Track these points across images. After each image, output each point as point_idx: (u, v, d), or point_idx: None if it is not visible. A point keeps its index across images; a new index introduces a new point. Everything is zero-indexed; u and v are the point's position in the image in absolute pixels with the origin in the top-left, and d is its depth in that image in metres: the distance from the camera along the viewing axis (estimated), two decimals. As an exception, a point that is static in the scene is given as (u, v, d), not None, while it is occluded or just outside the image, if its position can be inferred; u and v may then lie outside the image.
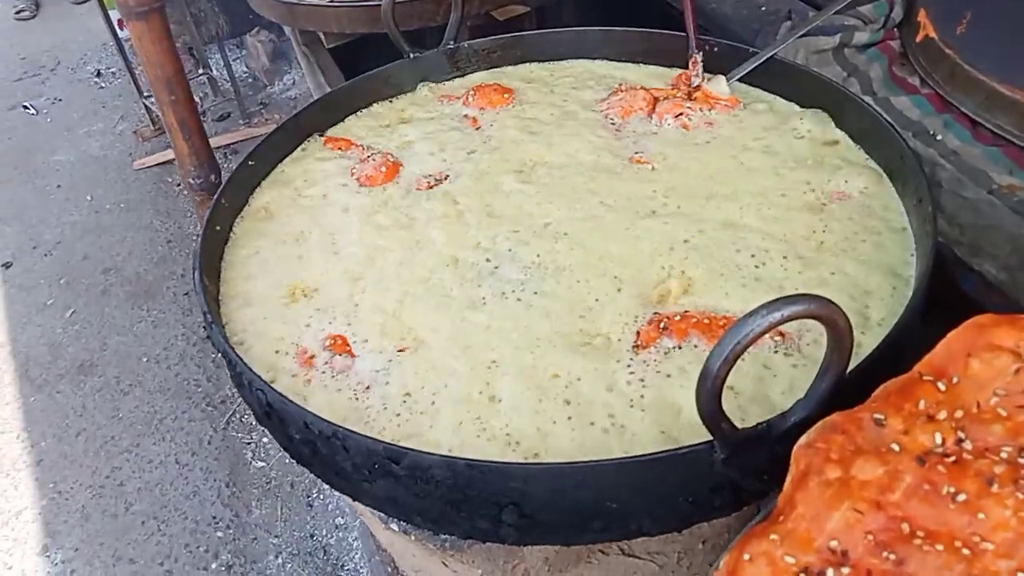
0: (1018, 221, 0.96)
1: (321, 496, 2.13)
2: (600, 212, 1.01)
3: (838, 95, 1.07)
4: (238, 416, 2.36)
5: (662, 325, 0.86)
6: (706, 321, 0.86)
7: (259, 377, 0.77)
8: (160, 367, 2.54)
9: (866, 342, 0.80)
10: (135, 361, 2.57)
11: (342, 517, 2.08)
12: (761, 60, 1.13)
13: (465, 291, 0.93)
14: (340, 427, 0.71)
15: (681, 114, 1.13)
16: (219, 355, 2.52)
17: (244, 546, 2.04)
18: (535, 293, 0.91)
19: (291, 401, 0.74)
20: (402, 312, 0.92)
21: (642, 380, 0.81)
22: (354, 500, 0.81)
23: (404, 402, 0.82)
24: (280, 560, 2.00)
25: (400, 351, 0.88)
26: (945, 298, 0.88)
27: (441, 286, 0.94)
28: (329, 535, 2.05)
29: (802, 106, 1.13)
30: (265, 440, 2.29)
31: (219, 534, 2.07)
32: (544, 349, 0.85)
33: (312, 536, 2.05)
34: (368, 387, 0.85)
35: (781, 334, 0.82)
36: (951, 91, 1.09)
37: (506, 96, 1.22)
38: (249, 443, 2.29)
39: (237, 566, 2.00)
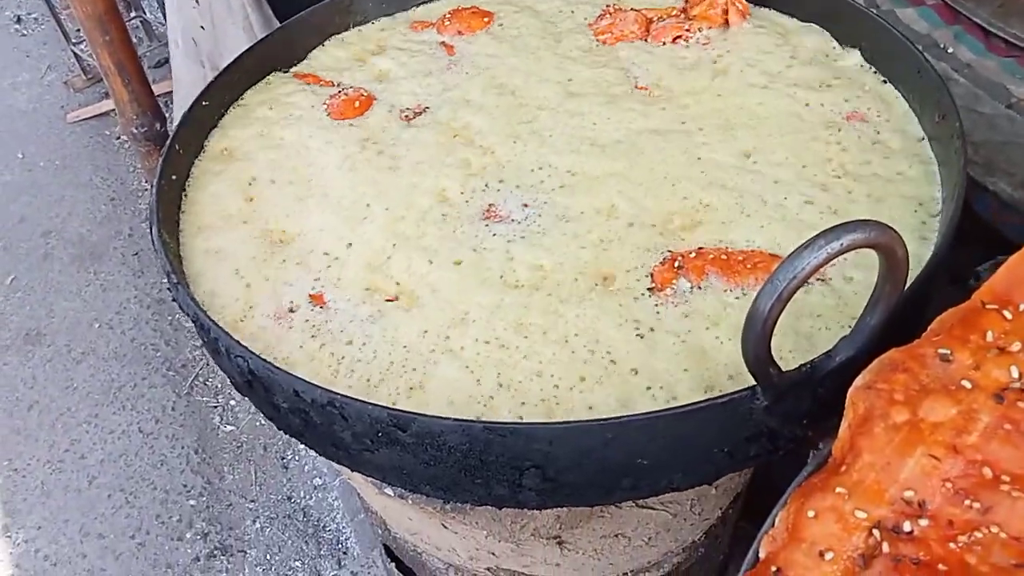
0: (1038, 136, 0.91)
1: (296, 457, 2.06)
2: (600, 142, 0.93)
3: (845, 8, 0.99)
4: (202, 380, 2.25)
5: (677, 264, 0.79)
6: (723, 257, 0.79)
7: (239, 343, 0.68)
8: (114, 332, 2.40)
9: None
10: (86, 327, 2.42)
11: (320, 477, 2.01)
12: (761, -28, 1.04)
13: (458, 233, 0.85)
14: (338, 394, 0.63)
15: (679, 36, 1.04)
16: (177, 317, 2.41)
17: (219, 513, 1.96)
18: (538, 233, 0.83)
19: (279, 368, 0.65)
20: (389, 257, 0.83)
21: (661, 324, 0.74)
22: (353, 471, 0.73)
23: (397, 358, 0.74)
24: (258, 525, 1.93)
25: (389, 300, 0.80)
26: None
27: (431, 228, 0.86)
28: (308, 496, 1.98)
29: (806, 22, 1.05)
30: (233, 403, 2.19)
31: (191, 502, 1.98)
32: (551, 294, 0.78)
33: (290, 498, 1.98)
34: (355, 343, 0.76)
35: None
36: None
37: (485, 20, 1.11)
38: (216, 407, 2.19)
39: (213, 533, 1.92)
